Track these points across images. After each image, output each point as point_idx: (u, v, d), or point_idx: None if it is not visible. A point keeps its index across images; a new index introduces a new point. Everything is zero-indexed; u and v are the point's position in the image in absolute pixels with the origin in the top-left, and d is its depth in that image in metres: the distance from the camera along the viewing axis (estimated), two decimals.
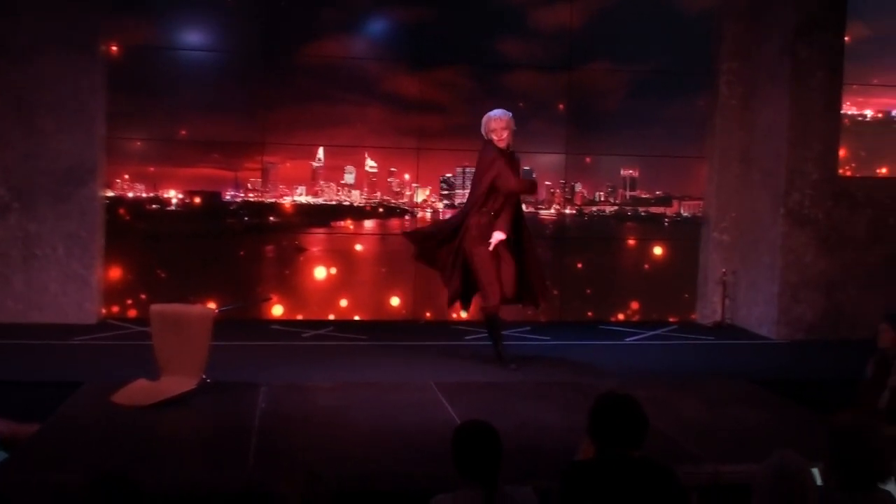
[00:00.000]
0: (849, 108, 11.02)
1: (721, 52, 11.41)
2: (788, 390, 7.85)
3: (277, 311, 11.06)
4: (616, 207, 12.03)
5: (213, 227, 11.21)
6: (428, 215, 11.74)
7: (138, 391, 6.91)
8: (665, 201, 12.13)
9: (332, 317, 11.17)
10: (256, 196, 11.32)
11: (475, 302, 8.88)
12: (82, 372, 7.82)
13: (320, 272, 11.29)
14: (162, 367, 7.13)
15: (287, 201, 11.43)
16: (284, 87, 11.04)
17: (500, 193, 8.35)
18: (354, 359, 8.99)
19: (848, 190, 10.89)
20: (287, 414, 6.71)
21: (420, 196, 11.66)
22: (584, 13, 11.45)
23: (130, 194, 11.01)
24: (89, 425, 6.32)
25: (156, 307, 7.40)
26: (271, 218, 11.38)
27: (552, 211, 11.82)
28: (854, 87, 10.98)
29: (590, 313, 11.62)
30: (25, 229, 10.18)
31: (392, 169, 11.68)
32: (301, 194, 11.50)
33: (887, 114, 11.31)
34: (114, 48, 10.63)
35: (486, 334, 8.89)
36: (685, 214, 12.06)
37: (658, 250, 11.92)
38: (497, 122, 8.35)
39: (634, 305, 11.73)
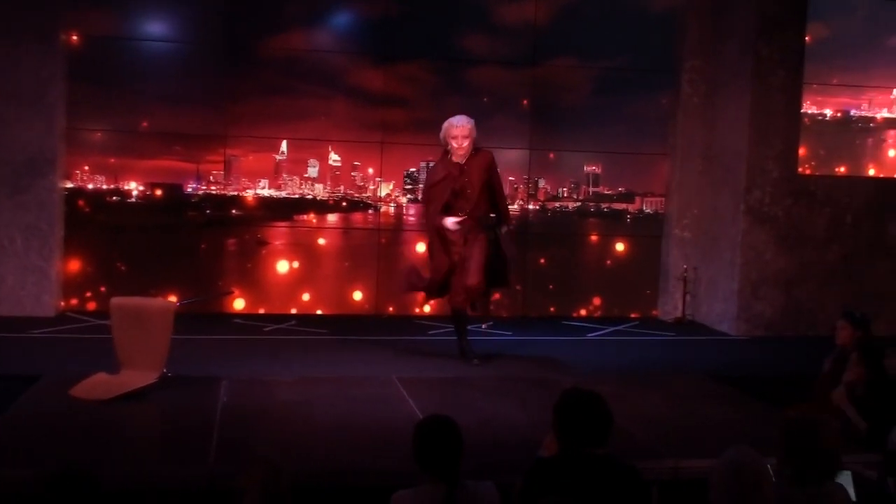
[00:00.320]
0: (809, 108, 11.13)
1: (684, 50, 11.49)
2: (748, 386, 7.92)
3: (239, 304, 11.01)
4: (579, 203, 12.07)
5: (175, 219, 11.13)
6: (391, 210, 11.72)
7: (98, 385, 6.86)
8: (627, 198, 12.19)
9: (294, 311, 11.13)
10: (218, 189, 11.25)
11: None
12: (41, 365, 7.75)
13: (283, 266, 11.25)
14: (122, 361, 7.07)
15: (249, 194, 11.37)
16: (248, 80, 10.98)
17: (461, 199, 8.30)
18: (316, 353, 8.96)
19: (807, 188, 11.00)
20: (248, 408, 6.68)
21: (384, 190, 11.64)
22: (548, 9, 11.47)
23: (90, 186, 10.90)
24: (48, 420, 6.26)
25: (116, 300, 7.34)
26: (233, 211, 11.31)
27: (515, 206, 11.83)
28: (814, 86, 11.09)
29: (552, 309, 11.66)
30: None
31: (356, 163, 11.65)
32: (264, 187, 11.44)
33: (846, 113, 11.43)
34: (74, 38, 10.52)
35: (450, 329, 8.92)
36: (647, 211, 12.13)
37: (620, 246, 11.99)
38: (459, 130, 8.17)
39: (596, 301, 11.79)
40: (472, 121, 8.26)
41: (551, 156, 11.89)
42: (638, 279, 11.90)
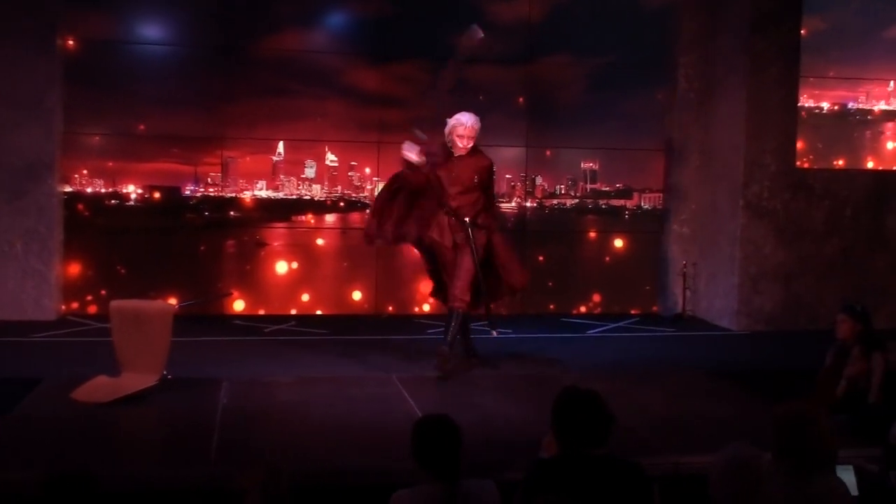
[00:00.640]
0: (806, 101, 11.13)
1: (679, 45, 11.50)
2: (749, 381, 7.92)
3: (239, 306, 11.02)
4: (577, 200, 12.06)
5: (173, 222, 11.12)
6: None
7: (98, 388, 6.86)
8: (625, 194, 12.18)
9: (293, 311, 11.13)
10: (216, 191, 11.25)
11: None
12: (41, 369, 7.75)
13: (281, 267, 11.25)
14: (122, 364, 7.08)
15: (247, 196, 11.36)
16: (244, 82, 10.98)
17: (459, 194, 8.04)
18: (316, 353, 8.96)
19: (805, 182, 11.00)
20: (249, 409, 6.69)
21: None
22: (542, 6, 11.47)
23: (89, 190, 10.90)
24: (49, 423, 6.27)
25: (115, 303, 7.35)
26: (231, 213, 11.31)
27: (513, 204, 11.84)
28: (810, 79, 11.09)
29: (552, 306, 11.66)
30: None
31: (353, 163, 11.64)
32: (261, 189, 11.43)
33: (843, 106, 11.42)
34: (71, 42, 10.52)
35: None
36: (645, 207, 12.12)
37: (619, 243, 11.99)
38: (465, 130, 7.98)
39: (596, 298, 11.79)
40: (478, 121, 8.08)
41: (548, 153, 11.89)
42: (637, 275, 11.90)
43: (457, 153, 8.09)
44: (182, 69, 10.87)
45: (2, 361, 8.20)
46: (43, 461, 5.31)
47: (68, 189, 10.71)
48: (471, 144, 8.05)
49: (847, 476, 4.01)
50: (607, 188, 12.13)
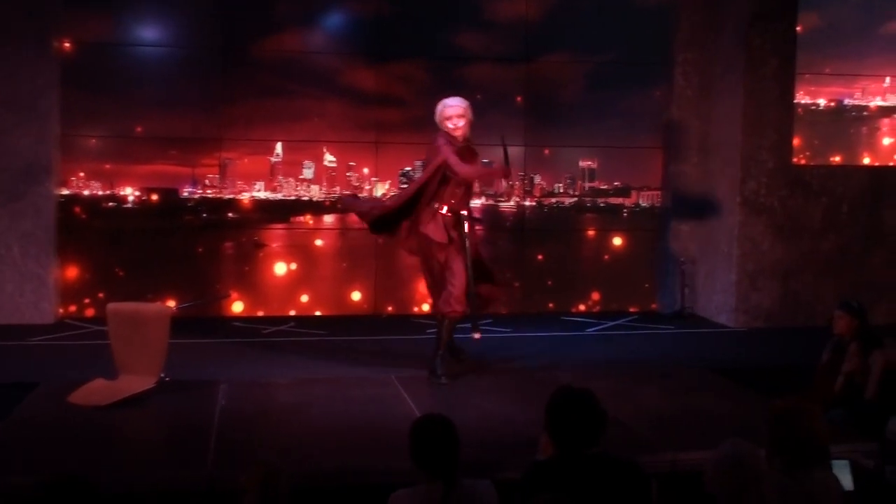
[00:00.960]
0: (802, 98, 11.14)
1: (677, 42, 11.50)
2: (747, 378, 7.92)
3: (237, 307, 11.02)
4: (575, 199, 12.06)
5: (171, 224, 11.12)
6: None
7: (96, 391, 6.86)
8: (624, 192, 12.18)
9: (292, 312, 11.14)
10: (214, 192, 11.25)
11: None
12: (39, 372, 7.76)
13: (280, 268, 11.25)
14: (120, 367, 7.07)
15: (245, 197, 11.37)
16: (241, 83, 10.98)
17: (456, 187, 7.67)
18: (315, 354, 8.95)
19: (803, 178, 11.00)
20: (247, 411, 6.68)
21: (379, 190, 11.64)
22: (540, 5, 11.47)
23: (86, 192, 10.90)
24: (46, 426, 6.26)
25: (112, 306, 7.33)
26: (230, 214, 11.31)
27: (512, 203, 11.84)
28: (807, 76, 11.09)
29: (551, 305, 11.66)
30: None
31: (351, 163, 11.65)
32: (259, 190, 11.43)
33: (840, 102, 11.43)
34: (68, 44, 10.52)
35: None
36: (644, 205, 12.12)
37: (618, 241, 11.99)
38: (452, 110, 7.64)
39: (595, 296, 11.79)
40: (465, 101, 7.74)
41: (546, 152, 11.89)
42: (636, 273, 11.90)
43: (457, 139, 7.70)
44: (179, 71, 10.88)
45: (0, 365, 8.22)
46: (41, 465, 5.32)
47: (65, 191, 10.70)
48: (464, 124, 7.66)
49: (843, 471, 4.02)
50: (606, 186, 12.13)
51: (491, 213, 11.85)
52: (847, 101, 11.45)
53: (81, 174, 10.88)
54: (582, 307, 11.72)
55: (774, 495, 3.51)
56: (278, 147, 11.42)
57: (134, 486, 5.18)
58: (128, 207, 11.04)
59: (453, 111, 7.65)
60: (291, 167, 11.55)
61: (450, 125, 7.66)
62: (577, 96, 11.74)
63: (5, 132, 10.07)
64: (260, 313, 11.02)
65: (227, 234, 11.25)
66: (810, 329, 10.07)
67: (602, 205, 12.13)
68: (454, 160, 7.53)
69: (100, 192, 10.95)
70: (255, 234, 11.31)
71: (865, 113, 11.53)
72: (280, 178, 11.50)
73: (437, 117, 7.75)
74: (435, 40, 11.28)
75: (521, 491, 3.79)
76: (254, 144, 11.30)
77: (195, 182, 11.22)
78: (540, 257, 11.71)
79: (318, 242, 11.54)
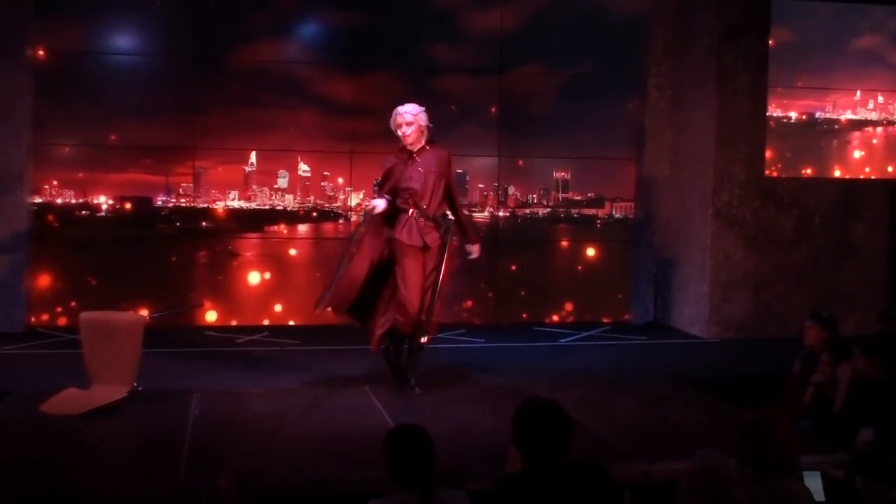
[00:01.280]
0: (774, 111, 11.23)
1: (650, 55, 11.58)
2: (719, 389, 7.95)
3: (211, 317, 10.98)
4: (549, 210, 12.11)
5: (145, 232, 11.08)
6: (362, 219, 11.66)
7: (68, 400, 6.81)
8: (597, 203, 12.25)
9: (266, 322, 11.11)
10: (188, 201, 11.22)
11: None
12: (9, 381, 7.68)
13: (254, 277, 11.23)
14: (92, 376, 7.02)
15: (219, 206, 11.34)
16: (216, 92, 10.97)
17: (409, 191, 7.56)
18: (288, 364, 8.93)
19: (774, 190, 11.10)
20: (220, 421, 6.65)
21: (353, 200, 11.64)
22: (515, 17, 11.53)
23: (59, 200, 10.84)
24: (17, 435, 6.21)
25: (85, 314, 7.29)
26: (203, 223, 11.28)
27: (486, 214, 11.87)
28: (778, 89, 11.20)
29: (524, 315, 11.70)
30: None
31: (325, 173, 11.65)
32: (234, 199, 11.41)
33: (811, 116, 11.54)
34: (40, 52, 10.48)
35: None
36: (617, 216, 12.19)
37: (591, 251, 12.05)
38: (402, 118, 7.52)
39: (568, 307, 11.83)
40: (419, 108, 7.59)
41: (520, 162, 11.94)
42: (609, 284, 11.96)
43: (409, 147, 7.59)
44: (153, 79, 10.84)
45: None
46: (12, 474, 5.27)
47: (38, 200, 10.65)
48: (409, 131, 7.51)
49: (814, 482, 4.05)
50: (579, 197, 12.19)
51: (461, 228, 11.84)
52: (818, 115, 11.56)
53: (54, 182, 10.82)
54: (555, 318, 11.75)
55: None
56: (253, 156, 11.41)
57: (107, 496, 5.15)
58: (101, 216, 10.99)
59: (402, 119, 7.57)
60: (266, 176, 11.54)
61: (399, 132, 7.61)
62: (551, 107, 11.80)
63: None
64: (233, 323, 10.99)
65: (200, 244, 11.22)
66: (782, 340, 10.15)
67: (576, 215, 12.19)
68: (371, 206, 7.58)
69: (73, 201, 10.90)
70: (229, 244, 11.28)
71: (836, 126, 11.64)
72: (254, 187, 11.48)
73: (391, 123, 7.66)
74: (410, 51, 11.31)
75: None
76: (228, 153, 11.28)
77: (169, 191, 11.19)
78: (513, 268, 11.75)
79: (292, 252, 11.52)
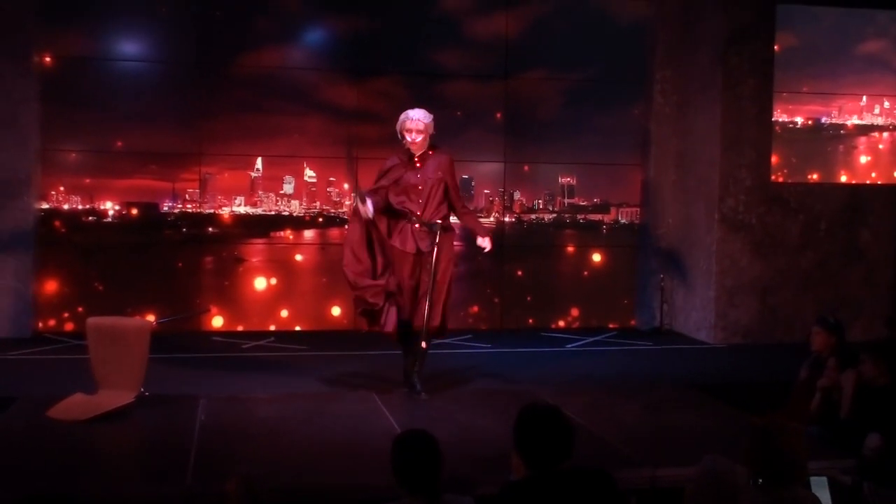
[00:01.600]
0: (780, 116, 11.22)
1: (655, 60, 11.58)
2: (725, 394, 7.94)
3: (217, 322, 10.99)
4: (554, 215, 12.11)
5: (151, 238, 11.09)
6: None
7: (75, 405, 6.82)
8: (603, 208, 12.24)
9: (272, 327, 11.12)
10: (194, 207, 11.24)
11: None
12: (17, 387, 7.70)
13: (260, 283, 11.24)
14: (99, 381, 7.04)
15: (226, 212, 11.36)
16: (221, 98, 10.99)
17: (410, 194, 7.58)
18: (295, 369, 8.94)
19: (781, 196, 11.08)
20: (227, 426, 6.65)
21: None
22: (520, 23, 11.54)
23: (66, 206, 10.86)
24: (25, 441, 6.22)
25: (92, 320, 7.31)
26: (210, 229, 11.29)
27: (491, 219, 11.87)
28: (784, 94, 11.19)
29: (530, 321, 11.69)
30: None
31: (331, 178, 11.66)
32: (240, 205, 11.43)
33: (817, 121, 11.53)
34: (47, 59, 10.50)
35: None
36: (623, 221, 12.19)
37: (597, 257, 12.04)
38: (413, 124, 7.50)
39: (574, 312, 11.83)
40: (430, 116, 7.60)
41: (526, 168, 11.94)
42: (615, 289, 11.95)
43: (412, 150, 7.61)
44: (159, 85, 10.87)
45: None
46: (19, 480, 5.29)
47: (45, 206, 10.67)
48: (419, 139, 7.52)
49: (821, 488, 4.05)
50: (585, 203, 12.19)
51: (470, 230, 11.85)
52: (824, 120, 11.55)
53: (61, 188, 10.85)
54: (561, 323, 11.75)
55: None
56: (258, 162, 11.42)
57: (114, 501, 5.16)
58: (108, 222, 11.01)
59: (414, 125, 7.53)
60: (272, 182, 11.55)
61: (408, 137, 7.56)
62: (557, 113, 11.80)
63: None
64: (240, 328, 11.00)
65: (207, 249, 11.23)
66: (788, 345, 10.15)
67: (581, 221, 12.19)
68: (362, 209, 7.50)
69: (79, 207, 10.92)
70: (235, 249, 11.30)
71: (843, 131, 11.63)
72: (260, 192, 11.50)
73: (398, 126, 7.63)
74: (414, 57, 11.33)
75: None
76: (234, 159, 11.30)
77: (175, 197, 11.20)
78: (519, 273, 11.75)
79: (298, 257, 11.53)
